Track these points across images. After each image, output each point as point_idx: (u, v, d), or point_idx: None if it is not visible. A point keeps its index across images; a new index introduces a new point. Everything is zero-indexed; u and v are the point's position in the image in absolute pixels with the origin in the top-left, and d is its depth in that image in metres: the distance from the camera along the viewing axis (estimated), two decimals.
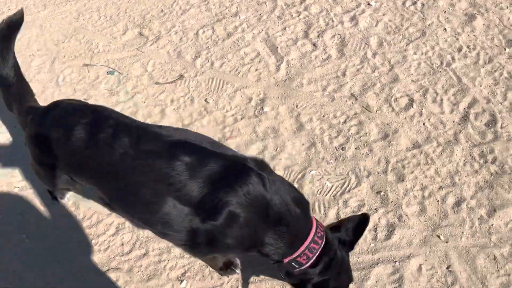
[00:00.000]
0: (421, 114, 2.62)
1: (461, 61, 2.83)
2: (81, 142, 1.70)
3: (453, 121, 2.58)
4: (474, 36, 2.95)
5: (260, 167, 1.66)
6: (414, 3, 3.19)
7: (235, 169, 1.57)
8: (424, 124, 2.58)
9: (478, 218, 2.22)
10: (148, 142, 1.63)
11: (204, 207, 1.54)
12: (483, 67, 2.78)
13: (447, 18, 3.07)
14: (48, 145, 1.81)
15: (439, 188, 2.34)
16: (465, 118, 2.58)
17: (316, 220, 1.71)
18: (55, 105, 1.94)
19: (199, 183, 1.54)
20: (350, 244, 1.76)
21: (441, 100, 2.67)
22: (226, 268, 2.13)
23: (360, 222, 1.74)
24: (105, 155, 1.65)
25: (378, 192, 2.35)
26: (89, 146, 1.69)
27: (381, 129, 2.59)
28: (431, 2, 3.17)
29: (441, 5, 3.15)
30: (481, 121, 2.56)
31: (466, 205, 2.26)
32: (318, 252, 1.64)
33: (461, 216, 2.23)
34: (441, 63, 2.84)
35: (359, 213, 1.94)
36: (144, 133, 1.67)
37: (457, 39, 2.94)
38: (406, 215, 2.26)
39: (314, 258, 1.64)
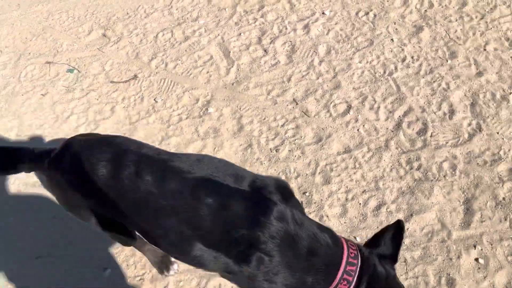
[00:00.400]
0: (356, 120, 2.70)
1: (403, 71, 2.91)
2: (105, 182, 1.65)
3: (387, 128, 2.65)
4: (420, 47, 3.03)
5: (283, 194, 1.62)
6: (367, 14, 3.28)
7: (258, 210, 1.53)
8: (358, 130, 2.66)
9: None
10: (170, 181, 1.59)
11: (232, 252, 1.54)
12: (424, 77, 2.86)
13: (396, 29, 3.16)
14: (72, 187, 1.75)
15: (362, 192, 2.41)
16: (398, 125, 2.65)
17: (346, 240, 1.65)
18: (69, 144, 1.82)
19: (223, 227, 1.53)
20: (392, 257, 1.64)
21: (378, 107, 2.75)
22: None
23: (396, 231, 1.63)
24: (130, 196, 1.62)
25: (304, 193, 2.44)
26: (114, 186, 1.64)
27: (316, 133, 2.68)
28: (383, 13, 3.26)
29: (392, 16, 3.23)
30: (413, 129, 2.63)
31: (386, 209, 2.34)
32: (357, 273, 1.56)
33: (379, 219, 2.30)
34: (384, 72, 2.92)
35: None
36: (166, 169, 1.62)
37: (403, 49, 3.02)
38: (327, 216, 2.34)
39: (355, 281, 1.56)
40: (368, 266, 1.58)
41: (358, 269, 1.56)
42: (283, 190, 1.65)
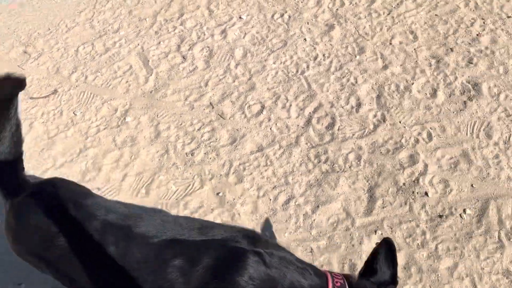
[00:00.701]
0: (269, 120, 2.79)
1: (314, 69, 3.02)
2: (66, 251, 1.56)
3: (298, 125, 2.75)
4: (331, 45, 3.15)
5: (253, 241, 1.57)
6: (282, 15, 3.39)
7: (230, 257, 1.48)
8: (271, 128, 2.75)
9: (303, 214, 2.38)
10: (135, 249, 1.52)
11: None
12: (333, 73, 2.97)
13: (309, 29, 3.27)
14: (29, 242, 1.67)
15: (273, 188, 2.49)
16: (308, 122, 2.75)
17: (330, 272, 1.59)
18: (40, 192, 1.73)
19: (196, 285, 1.44)
20: (392, 281, 1.56)
21: (290, 105, 2.85)
22: None
23: (387, 252, 1.56)
24: (93, 269, 1.55)
25: (218, 194, 2.50)
26: (74, 257, 1.56)
27: (231, 134, 2.75)
28: (297, 14, 3.38)
29: (305, 16, 3.35)
30: (322, 124, 2.74)
31: (294, 203, 2.42)
32: None
33: (288, 213, 2.39)
34: (297, 71, 3.03)
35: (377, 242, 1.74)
36: (131, 236, 1.55)
37: (315, 48, 3.14)
38: (239, 214, 2.41)
39: None
40: None
41: None
42: (251, 237, 1.60)
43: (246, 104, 2.88)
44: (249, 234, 1.61)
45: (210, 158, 2.65)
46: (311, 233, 2.31)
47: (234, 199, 2.47)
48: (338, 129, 2.69)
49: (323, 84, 2.92)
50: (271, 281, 1.44)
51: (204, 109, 2.89)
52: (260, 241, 1.61)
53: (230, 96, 2.94)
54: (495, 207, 2.28)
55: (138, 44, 3.35)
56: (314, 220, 2.35)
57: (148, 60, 3.22)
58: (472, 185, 2.38)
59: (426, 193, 2.38)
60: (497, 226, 2.21)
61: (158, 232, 1.56)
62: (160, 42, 3.34)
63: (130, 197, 2.52)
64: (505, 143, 2.51)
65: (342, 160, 2.56)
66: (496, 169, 2.41)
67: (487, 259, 2.12)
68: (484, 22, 3.11)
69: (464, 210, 2.30)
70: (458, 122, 2.64)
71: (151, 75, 3.13)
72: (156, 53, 3.26)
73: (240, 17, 3.41)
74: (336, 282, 1.51)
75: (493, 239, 2.18)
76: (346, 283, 1.52)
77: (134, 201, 2.50)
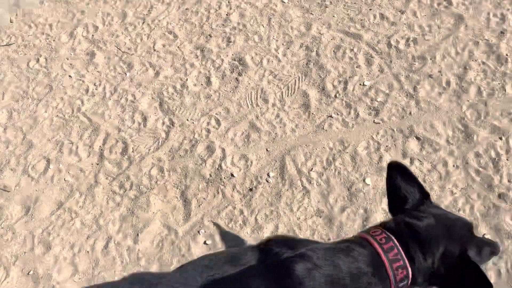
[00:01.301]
0: (60, 171, 2.57)
1: (90, 101, 2.87)
2: None
3: (92, 164, 2.59)
4: (98, 72, 3.03)
5: (291, 246, 1.43)
6: (38, 61, 3.14)
7: (278, 275, 1.35)
8: (64, 179, 2.54)
9: (127, 250, 2.25)
10: None
11: None
12: (110, 99, 2.86)
13: (70, 64, 3.10)
14: None
15: (87, 238, 2.31)
16: (101, 156, 2.61)
17: (367, 232, 1.47)
18: None
19: None
20: (424, 195, 1.50)
21: (77, 147, 2.66)
22: None
23: (400, 174, 1.49)
24: None
25: (28, 273, 2.22)
26: None
27: (23, 204, 2.46)
28: (54, 54, 3.17)
29: (63, 53, 3.16)
30: (116, 152, 2.62)
31: (114, 242, 2.28)
32: (401, 252, 1.39)
33: (111, 256, 2.23)
34: (72, 110, 2.84)
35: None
36: None
37: (83, 81, 2.98)
38: (58, 283, 2.17)
39: (407, 260, 1.39)
40: (406, 234, 1.43)
41: (399, 249, 1.41)
42: (284, 242, 1.48)
43: (29, 166, 2.60)
44: (282, 241, 1.50)
45: (7, 240, 2.33)
46: (140, 264, 2.19)
47: (48, 270, 2.21)
48: (133, 151, 2.60)
49: (104, 112, 2.79)
50: (328, 280, 1.35)
51: None
52: (297, 241, 1.52)
53: (7, 165, 2.62)
54: (291, 160, 2.45)
55: None
56: (139, 250, 2.24)
57: None
58: (267, 150, 2.52)
59: (232, 174, 2.44)
60: (297, 176, 2.38)
61: (186, 281, 1.42)
62: None
63: None
64: (280, 101, 2.71)
65: (146, 179, 2.48)
66: (280, 127, 2.59)
67: (300, 208, 2.27)
68: (229, 2, 3.31)
69: (268, 174, 2.42)
70: (237, 99, 2.77)
71: None
72: None
73: None
74: (381, 241, 1.43)
75: (298, 188, 2.34)
76: (389, 236, 1.44)
77: None
